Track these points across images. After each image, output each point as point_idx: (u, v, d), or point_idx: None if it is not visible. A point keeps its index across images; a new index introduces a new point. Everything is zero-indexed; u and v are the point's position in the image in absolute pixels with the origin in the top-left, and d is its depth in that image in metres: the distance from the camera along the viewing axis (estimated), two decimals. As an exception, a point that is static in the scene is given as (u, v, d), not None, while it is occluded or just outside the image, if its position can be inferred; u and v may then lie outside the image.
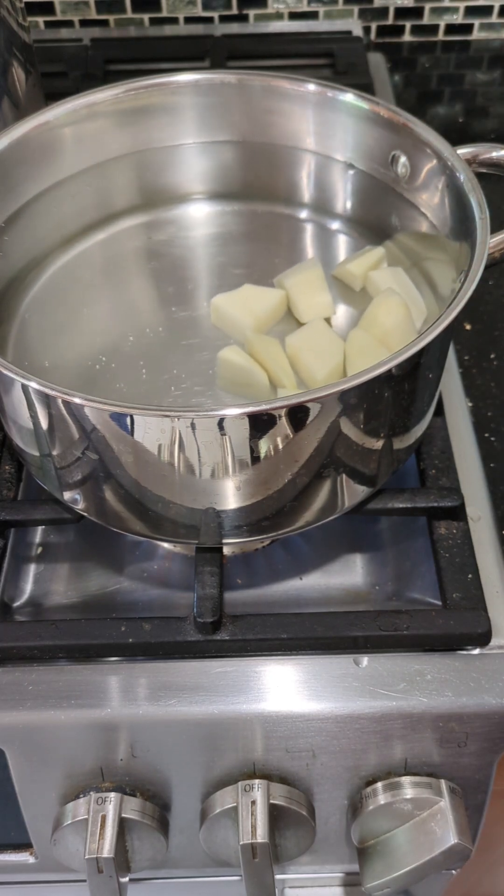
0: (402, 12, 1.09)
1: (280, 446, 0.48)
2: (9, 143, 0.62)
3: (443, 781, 0.55)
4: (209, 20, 1.08)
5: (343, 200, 0.68)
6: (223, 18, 1.07)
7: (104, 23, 1.08)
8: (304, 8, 1.07)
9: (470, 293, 0.49)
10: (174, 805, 0.57)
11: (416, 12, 1.08)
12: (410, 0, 1.07)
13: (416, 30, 1.10)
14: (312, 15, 1.08)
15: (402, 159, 0.63)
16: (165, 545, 0.63)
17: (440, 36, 1.11)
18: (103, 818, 0.53)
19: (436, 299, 0.60)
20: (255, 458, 0.48)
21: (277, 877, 0.59)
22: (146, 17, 1.07)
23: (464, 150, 0.59)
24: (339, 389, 0.45)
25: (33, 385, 0.46)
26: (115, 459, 0.49)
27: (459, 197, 0.57)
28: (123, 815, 0.54)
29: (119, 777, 0.55)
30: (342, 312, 0.61)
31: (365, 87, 0.93)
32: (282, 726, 0.53)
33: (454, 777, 0.55)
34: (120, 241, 0.67)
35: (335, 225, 0.67)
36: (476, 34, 1.11)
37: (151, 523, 0.53)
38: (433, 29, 1.10)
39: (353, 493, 0.55)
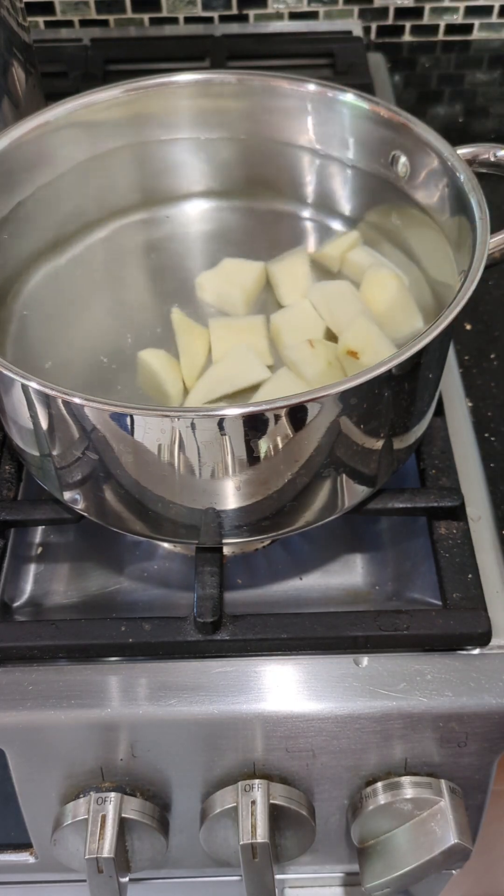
0: (402, 12, 1.09)
1: (280, 446, 0.48)
2: (9, 143, 0.62)
3: (443, 781, 0.55)
4: (209, 20, 1.08)
5: (343, 199, 0.68)
6: (223, 18, 1.07)
7: (104, 23, 1.08)
8: (304, 8, 1.07)
9: (470, 293, 0.49)
10: (174, 805, 0.57)
11: (416, 12, 1.08)
12: (410, 0, 1.07)
13: (416, 30, 1.10)
14: (312, 15, 1.08)
15: (403, 159, 0.63)
16: (165, 545, 0.63)
17: (440, 36, 1.11)
18: (103, 818, 0.53)
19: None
20: (255, 458, 0.48)
21: (277, 877, 0.59)
22: (146, 17, 1.07)
23: (464, 150, 0.59)
24: (339, 389, 0.45)
25: (33, 385, 0.46)
26: (115, 459, 0.49)
27: (459, 197, 0.57)
28: (123, 815, 0.54)
29: (119, 777, 0.55)
30: None
31: (365, 87, 0.93)
32: (282, 726, 0.53)
33: (454, 777, 0.55)
34: (119, 238, 0.67)
35: (335, 223, 0.67)
36: (476, 34, 1.11)
37: (151, 523, 0.53)
38: (433, 29, 1.10)
39: (353, 493, 0.55)
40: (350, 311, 0.59)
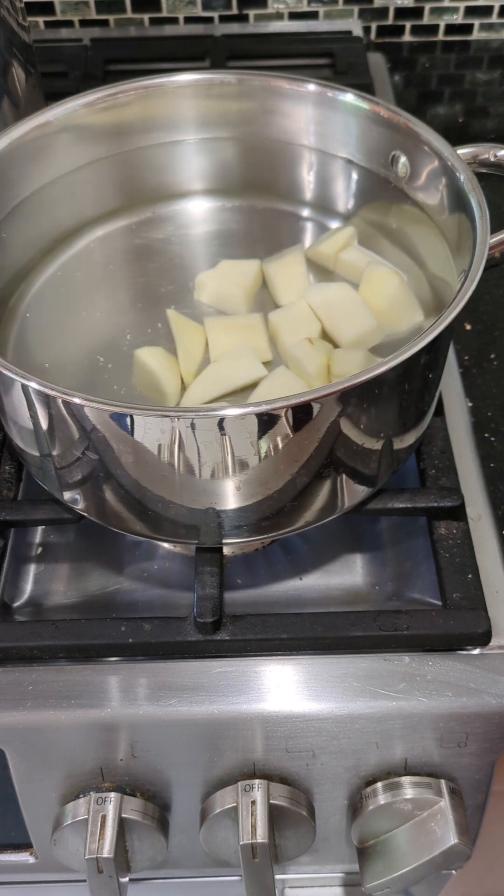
0: (402, 12, 1.09)
1: (280, 446, 0.48)
2: (9, 143, 0.62)
3: (443, 781, 0.55)
4: (209, 20, 1.08)
5: (342, 199, 0.68)
6: (223, 18, 1.07)
7: (104, 23, 1.08)
8: (304, 8, 1.07)
9: (470, 293, 0.49)
10: (174, 805, 0.57)
11: (416, 12, 1.08)
12: (410, 0, 1.07)
13: (416, 30, 1.10)
14: (312, 15, 1.08)
15: (403, 159, 0.63)
16: (165, 545, 0.63)
17: (440, 36, 1.11)
18: (103, 818, 0.53)
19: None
20: (255, 458, 0.48)
21: (277, 877, 0.59)
22: (146, 17, 1.07)
23: (464, 150, 0.59)
24: (339, 389, 0.45)
25: (33, 385, 0.46)
26: (115, 459, 0.49)
27: (459, 197, 0.57)
28: (123, 815, 0.54)
29: (119, 777, 0.55)
30: None
31: (365, 87, 0.93)
32: (282, 726, 0.53)
33: (454, 777, 0.55)
34: (119, 238, 0.67)
35: (334, 223, 0.67)
36: (476, 34, 1.11)
37: (151, 523, 0.53)
38: (433, 29, 1.10)
39: (353, 493, 0.55)
40: (350, 318, 0.58)
